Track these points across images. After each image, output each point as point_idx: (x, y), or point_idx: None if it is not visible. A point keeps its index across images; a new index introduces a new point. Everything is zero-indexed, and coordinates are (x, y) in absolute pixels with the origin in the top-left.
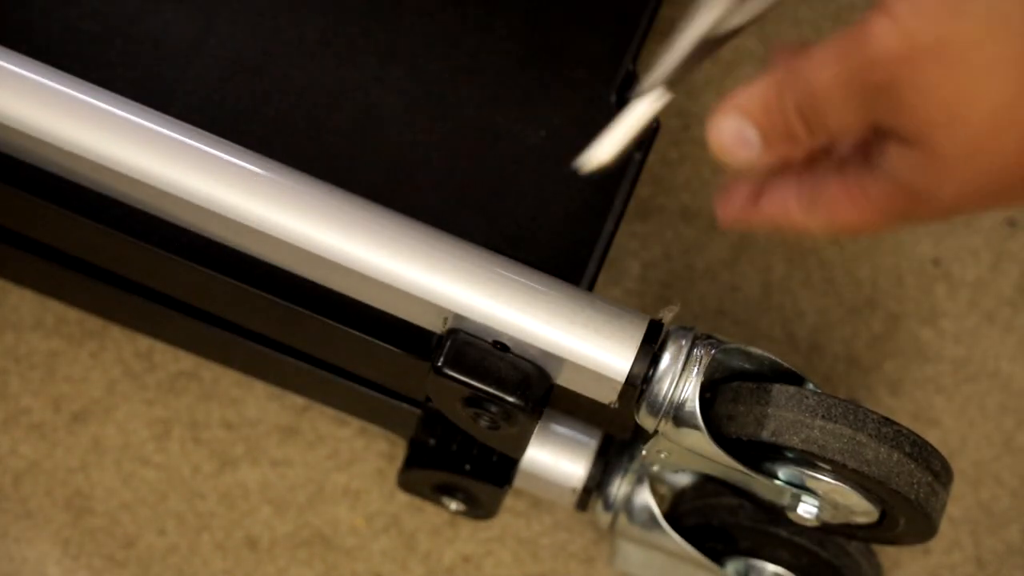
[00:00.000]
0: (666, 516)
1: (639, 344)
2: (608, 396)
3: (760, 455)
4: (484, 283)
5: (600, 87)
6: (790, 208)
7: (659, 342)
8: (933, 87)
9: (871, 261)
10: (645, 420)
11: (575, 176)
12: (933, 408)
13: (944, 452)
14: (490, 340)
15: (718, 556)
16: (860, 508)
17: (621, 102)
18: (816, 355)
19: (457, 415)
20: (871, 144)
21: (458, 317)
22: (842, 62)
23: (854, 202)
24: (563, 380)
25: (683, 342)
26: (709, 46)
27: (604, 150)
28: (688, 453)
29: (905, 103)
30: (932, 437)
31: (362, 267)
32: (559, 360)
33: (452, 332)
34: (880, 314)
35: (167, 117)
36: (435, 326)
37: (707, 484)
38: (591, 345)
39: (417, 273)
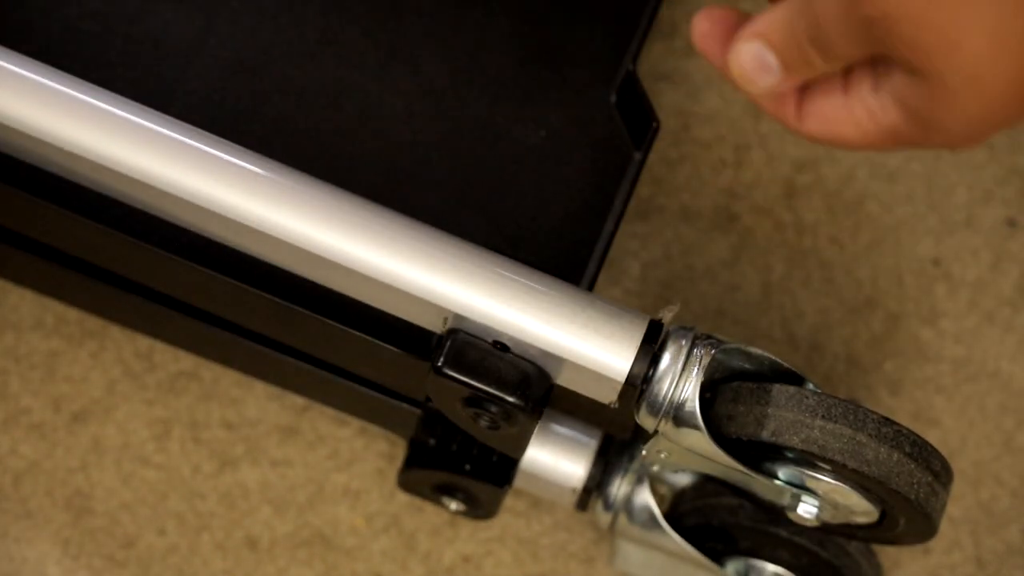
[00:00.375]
0: (666, 516)
1: (639, 344)
2: (608, 396)
3: (760, 455)
4: (484, 283)
5: (600, 87)
6: (787, 110)
7: (659, 342)
8: (926, 17)
9: (871, 261)
10: (645, 420)
11: (575, 176)
12: (933, 408)
13: (944, 452)
14: (490, 340)
15: (718, 556)
16: (860, 508)
17: (621, 102)
18: (816, 355)
19: (457, 415)
20: (880, 70)
21: (458, 317)
22: None
23: (856, 123)
24: (563, 380)
25: (683, 342)
26: None
27: None
28: (688, 453)
29: (901, 35)
30: (932, 437)
31: (362, 267)
32: (559, 360)
33: (452, 332)
34: (880, 314)
35: (167, 117)
36: (435, 326)
37: (707, 484)
38: (591, 345)
39: (417, 273)
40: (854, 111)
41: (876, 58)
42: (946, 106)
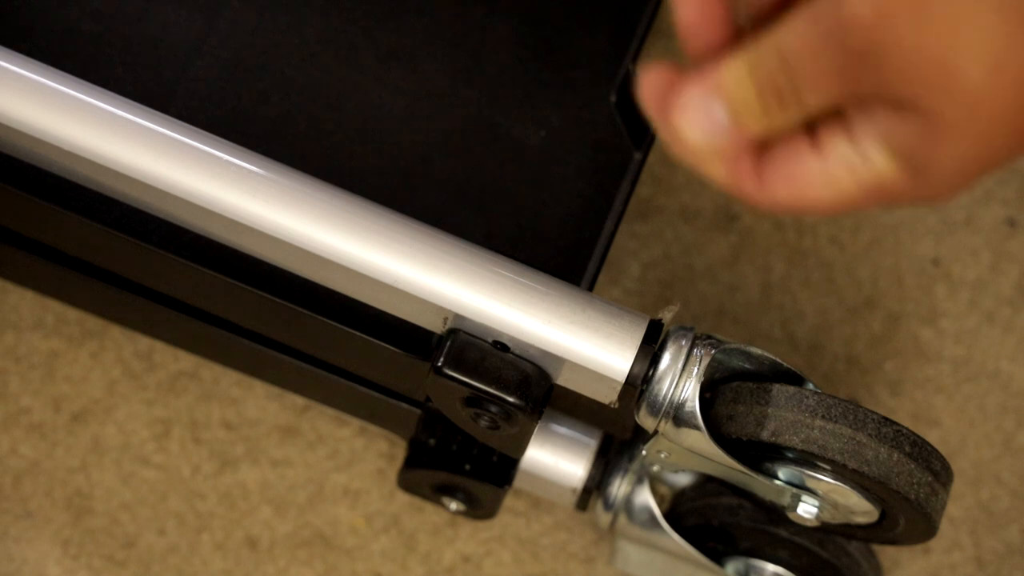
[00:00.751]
0: (666, 516)
1: (639, 344)
2: (608, 396)
3: (760, 455)
4: (484, 283)
5: (600, 87)
6: (744, 177)
7: (659, 342)
8: (920, 44)
9: (871, 261)
10: (645, 420)
11: (575, 176)
12: (933, 408)
13: (944, 452)
14: (490, 340)
15: (718, 556)
16: (860, 508)
17: (621, 102)
18: (816, 355)
19: (457, 415)
20: (853, 118)
21: (458, 317)
22: (815, 29)
23: (833, 182)
24: (563, 380)
25: (683, 342)
26: None
27: None
28: (688, 453)
29: (892, 67)
30: (932, 437)
31: (362, 267)
32: (559, 360)
33: (452, 332)
34: (880, 314)
35: (167, 117)
36: (435, 326)
37: (707, 484)
38: (591, 345)
39: (417, 273)
40: (830, 168)
41: (843, 105)
42: (941, 142)
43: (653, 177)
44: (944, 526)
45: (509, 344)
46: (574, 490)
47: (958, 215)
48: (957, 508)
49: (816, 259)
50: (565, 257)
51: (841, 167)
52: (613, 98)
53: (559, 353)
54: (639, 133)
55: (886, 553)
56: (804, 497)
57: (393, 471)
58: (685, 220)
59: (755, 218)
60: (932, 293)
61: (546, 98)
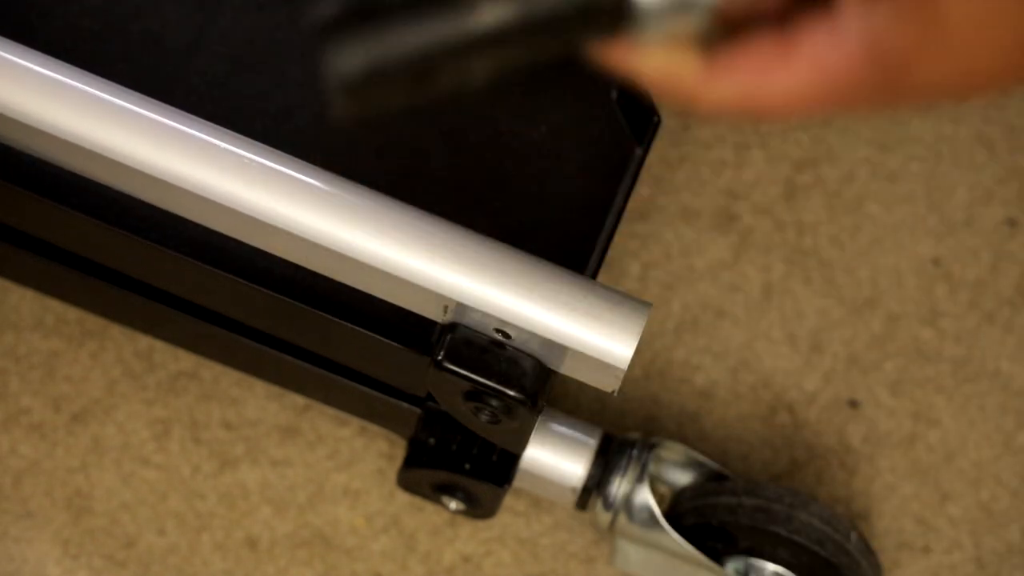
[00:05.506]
0: (666, 515)
1: (641, 330)
2: (610, 384)
3: None
4: (486, 271)
5: (601, 83)
6: (685, 68)
7: None
8: None
9: (871, 261)
10: None
11: (576, 172)
12: (933, 408)
13: (944, 452)
14: (491, 329)
15: (718, 555)
16: None
17: (623, 98)
18: (816, 355)
19: (458, 410)
20: (848, 4)
21: (460, 305)
22: None
23: (794, 74)
24: (565, 369)
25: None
26: None
27: None
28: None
29: None
30: (932, 437)
31: (362, 255)
32: (561, 348)
33: (452, 326)
34: (880, 314)
35: (171, 108)
36: (436, 315)
37: (707, 484)
38: (593, 332)
39: (418, 261)
40: (793, 58)
41: None
42: (933, 48)
43: (653, 177)
44: (944, 526)
45: (511, 333)
46: (574, 489)
47: (958, 215)
48: (957, 508)
49: (816, 259)
50: (566, 253)
51: (808, 59)
52: (614, 94)
53: (561, 341)
54: (640, 128)
55: (886, 553)
56: None
57: (393, 471)
58: (685, 220)
59: (755, 218)
60: (932, 293)
61: (547, 93)
